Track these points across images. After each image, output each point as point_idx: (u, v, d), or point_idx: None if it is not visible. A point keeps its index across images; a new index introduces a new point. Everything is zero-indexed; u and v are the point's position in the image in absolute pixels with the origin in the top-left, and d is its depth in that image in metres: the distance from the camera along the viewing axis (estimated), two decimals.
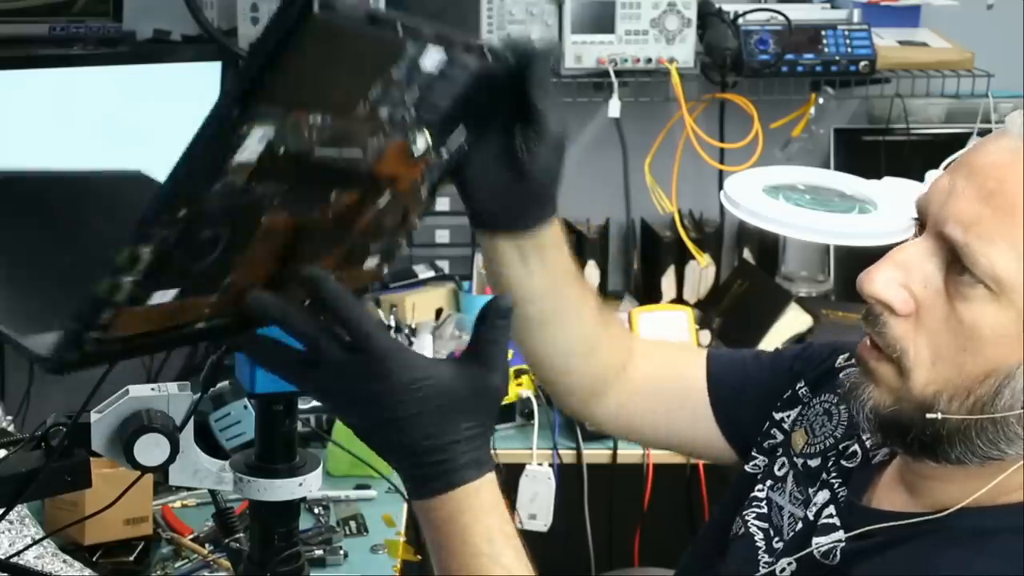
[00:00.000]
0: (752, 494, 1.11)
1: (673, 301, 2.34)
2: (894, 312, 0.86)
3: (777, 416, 1.15)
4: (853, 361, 0.96)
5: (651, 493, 1.84)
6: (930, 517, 0.89)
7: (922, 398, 0.85)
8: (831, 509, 0.99)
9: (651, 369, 1.20)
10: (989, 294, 0.82)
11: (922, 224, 0.88)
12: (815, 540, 0.97)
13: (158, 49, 2.21)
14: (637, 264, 2.47)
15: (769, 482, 1.10)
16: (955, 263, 0.83)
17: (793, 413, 1.13)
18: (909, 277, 0.86)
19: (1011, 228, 0.80)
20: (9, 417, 1.65)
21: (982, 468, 0.86)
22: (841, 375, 1.00)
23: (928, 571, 0.87)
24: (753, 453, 1.15)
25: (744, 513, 1.11)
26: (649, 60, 2.16)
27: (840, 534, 0.95)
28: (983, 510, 0.87)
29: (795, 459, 1.10)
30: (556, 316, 1.13)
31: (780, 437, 1.13)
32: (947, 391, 0.84)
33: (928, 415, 0.85)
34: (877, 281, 0.86)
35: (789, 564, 0.99)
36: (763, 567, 1.04)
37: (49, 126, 1.90)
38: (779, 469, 1.11)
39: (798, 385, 1.14)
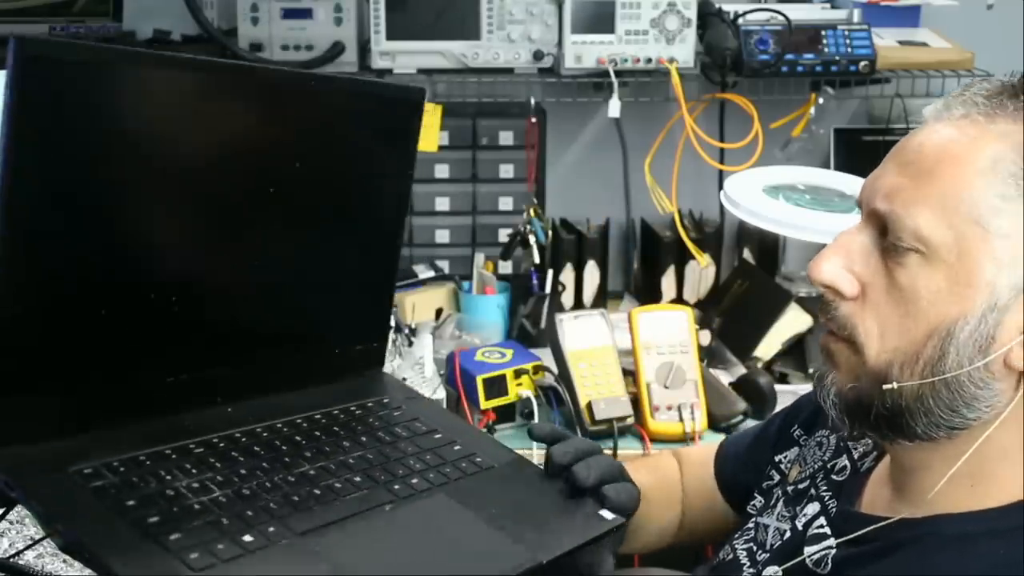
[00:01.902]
0: (746, 526, 1.14)
1: (673, 301, 2.35)
2: (842, 295, 0.90)
3: (776, 458, 1.19)
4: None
5: None
6: (918, 517, 0.91)
7: (877, 370, 0.88)
8: (821, 520, 1.01)
9: (696, 498, 1.33)
10: (920, 257, 0.85)
11: (860, 207, 0.93)
12: (806, 550, 0.98)
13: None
14: (637, 264, 2.47)
15: (764, 512, 1.13)
16: (887, 236, 0.88)
17: (790, 454, 1.17)
18: (851, 260, 0.90)
19: (929, 191, 0.85)
20: None
21: (955, 446, 0.88)
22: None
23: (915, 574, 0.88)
24: (754, 494, 1.19)
25: (733, 541, 1.14)
26: (649, 60, 2.16)
27: (831, 541, 0.97)
28: (970, 515, 0.88)
29: (787, 487, 1.12)
30: (646, 529, 1.28)
31: (777, 477, 1.17)
32: (897, 359, 0.87)
33: (884, 386, 0.88)
34: (823, 269, 0.90)
35: (775, 572, 1.01)
36: (742, 557, 1.08)
37: None
38: (773, 500, 1.13)
39: (792, 429, 1.19)
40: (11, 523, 1.34)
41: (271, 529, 0.92)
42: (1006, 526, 0.86)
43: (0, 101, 0.86)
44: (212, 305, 1.07)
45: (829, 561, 0.95)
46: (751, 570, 1.07)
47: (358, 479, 1.03)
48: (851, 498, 1.01)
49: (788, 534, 1.04)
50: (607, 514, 1.06)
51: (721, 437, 1.90)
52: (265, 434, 1.07)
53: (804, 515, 1.04)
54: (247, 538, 0.90)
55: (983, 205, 0.83)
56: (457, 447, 1.14)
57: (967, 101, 0.90)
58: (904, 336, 0.87)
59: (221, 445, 1.03)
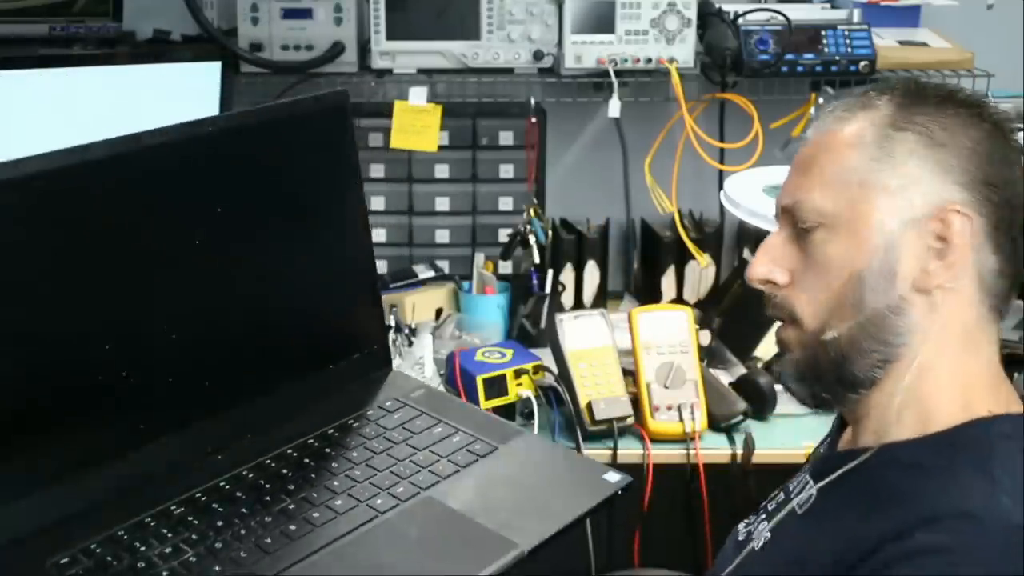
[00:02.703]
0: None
1: (673, 301, 2.34)
2: (777, 285, 1.06)
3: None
4: None
5: (651, 493, 1.83)
6: (870, 453, 1.04)
7: (816, 330, 1.04)
8: (807, 474, 1.13)
9: None
10: (824, 229, 1.03)
11: (776, 216, 1.10)
12: (795, 500, 1.10)
13: (158, 49, 2.21)
14: (637, 264, 2.47)
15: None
16: (800, 230, 1.05)
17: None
18: (776, 255, 1.07)
19: (815, 177, 1.04)
20: None
21: (893, 381, 1.02)
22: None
23: (872, 497, 1.00)
24: None
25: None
26: (649, 60, 2.16)
27: (812, 486, 1.09)
28: (919, 440, 1.01)
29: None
30: None
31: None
32: (828, 315, 1.03)
33: (822, 337, 1.03)
34: (756, 270, 1.08)
35: (765, 528, 1.12)
36: (741, 534, 1.17)
37: (49, 126, 1.90)
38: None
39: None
40: None
41: None
42: (945, 440, 0.99)
43: None
44: (187, 363, 1.08)
45: (808, 501, 1.08)
46: (745, 530, 1.16)
47: (339, 503, 1.05)
48: (827, 450, 1.16)
49: (780, 495, 1.15)
50: (611, 476, 1.11)
51: (721, 437, 1.91)
52: (251, 475, 1.08)
53: (797, 481, 1.14)
54: None
55: (859, 169, 1.02)
56: (456, 438, 1.15)
57: (832, 112, 1.08)
58: (828, 295, 1.03)
59: (203, 499, 1.05)
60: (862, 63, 2.17)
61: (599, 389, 1.88)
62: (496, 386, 1.87)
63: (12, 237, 0.96)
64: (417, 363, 1.94)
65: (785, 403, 1.90)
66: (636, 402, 1.89)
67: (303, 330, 1.20)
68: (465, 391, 1.87)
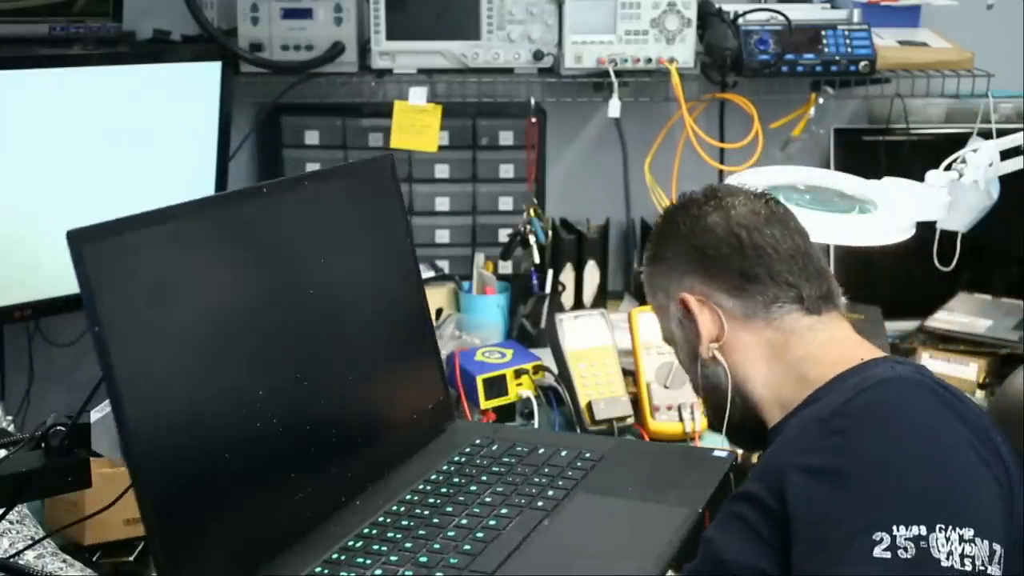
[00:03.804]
0: None
1: None
2: None
3: None
4: None
5: None
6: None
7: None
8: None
9: None
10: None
11: None
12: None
13: (158, 49, 2.21)
14: (637, 264, 2.47)
15: None
16: None
17: None
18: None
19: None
20: (9, 417, 1.65)
21: (748, 407, 1.29)
22: None
23: (785, 448, 1.18)
24: None
25: None
26: (649, 60, 2.16)
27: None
28: (804, 403, 1.23)
29: None
30: None
31: None
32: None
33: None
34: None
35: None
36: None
37: (49, 126, 1.90)
38: None
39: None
40: (11, 523, 1.34)
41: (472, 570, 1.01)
42: (836, 379, 1.22)
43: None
44: (310, 422, 1.12)
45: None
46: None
47: (505, 511, 1.10)
48: None
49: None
50: (719, 452, 1.30)
51: (721, 437, 1.90)
52: (402, 509, 1.13)
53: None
54: None
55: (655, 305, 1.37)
56: (563, 452, 1.22)
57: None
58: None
59: (374, 532, 1.09)
60: (862, 63, 2.17)
61: (599, 389, 1.88)
62: (496, 386, 1.87)
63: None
64: None
65: None
66: (636, 402, 1.89)
67: (388, 384, 1.26)
68: (465, 391, 1.87)
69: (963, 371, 2.07)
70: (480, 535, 1.06)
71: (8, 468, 1.02)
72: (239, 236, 1.08)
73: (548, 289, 2.23)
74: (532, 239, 2.23)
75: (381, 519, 1.11)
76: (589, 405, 1.85)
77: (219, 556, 1.00)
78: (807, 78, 2.22)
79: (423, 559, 1.04)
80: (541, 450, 1.23)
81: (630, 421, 1.87)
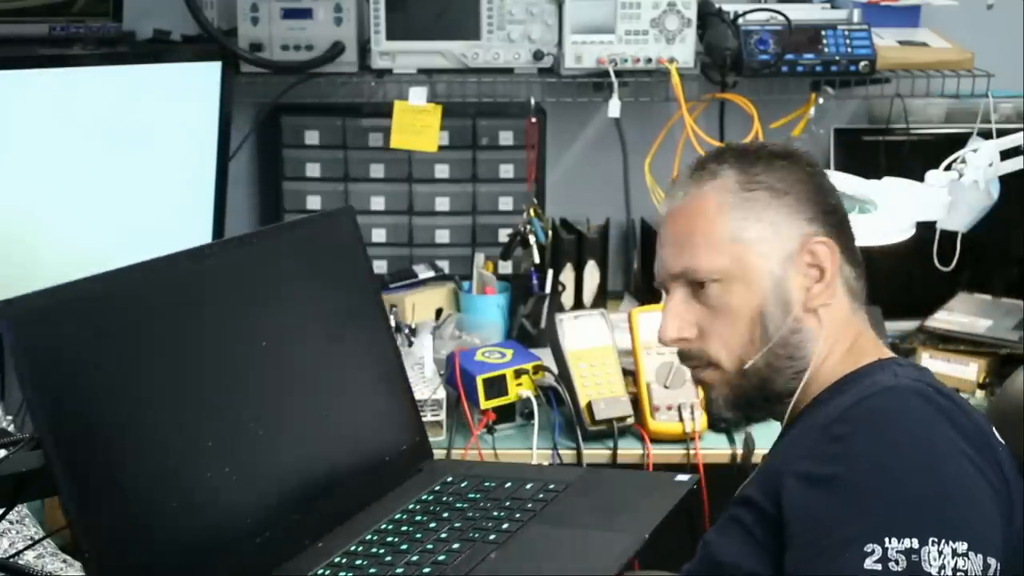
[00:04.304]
0: None
1: None
2: (689, 340, 1.25)
3: None
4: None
5: None
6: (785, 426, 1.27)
7: (736, 367, 1.23)
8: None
9: None
10: (719, 284, 1.22)
11: (665, 289, 1.28)
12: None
13: (158, 49, 2.21)
14: (637, 264, 2.47)
15: None
16: (694, 288, 1.24)
17: None
18: (681, 315, 1.25)
19: (696, 243, 1.23)
20: (9, 417, 1.65)
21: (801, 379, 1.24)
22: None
23: (787, 445, 1.22)
24: None
25: None
26: (649, 60, 2.16)
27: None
28: (813, 399, 1.23)
29: None
30: None
31: None
32: (742, 349, 1.23)
33: (744, 367, 1.23)
34: (668, 332, 1.26)
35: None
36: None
37: (49, 126, 1.90)
38: None
39: None
40: (11, 523, 1.34)
41: None
42: (848, 380, 1.22)
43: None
44: (268, 470, 1.14)
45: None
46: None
47: (457, 545, 1.12)
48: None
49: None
50: (681, 477, 1.27)
51: (721, 437, 1.91)
52: (359, 548, 1.15)
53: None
54: None
55: (731, 229, 1.22)
56: (529, 485, 1.25)
57: (677, 188, 1.28)
58: (737, 335, 1.23)
59: (326, 572, 1.11)
60: (862, 63, 2.17)
61: (599, 389, 1.88)
62: (496, 386, 1.87)
63: (130, 344, 1.04)
64: (417, 363, 1.94)
65: None
66: (636, 402, 1.89)
67: (358, 425, 1.28)
68: (465, 391, 1.87)
69: (963, 371, 2.07)
70: (426, 571, 1.08)
71: (8, 468, 1.02)
72: (180, 297, 1.09)
73: (548, 289, 2.23)
74: (532, 239, 2.23)
75: (337, 559, 1.13)
76: (589, 405, 1.85)
77: None
78: (807, 78, 2.22)
79: (399, 571, 1.07)
80: (508, 484, 1.25)
81: (630, 421, 1.87)
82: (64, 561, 1.35)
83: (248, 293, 1.17)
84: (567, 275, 2.30)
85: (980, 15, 2.32)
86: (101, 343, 1.01)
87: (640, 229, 2.46)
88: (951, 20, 2.38)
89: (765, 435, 1.88)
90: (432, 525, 1.17)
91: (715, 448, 1.88)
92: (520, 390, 1.88)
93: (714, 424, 1.90)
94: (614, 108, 2.17)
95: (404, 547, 1.13)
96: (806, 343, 1.22)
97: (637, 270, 2.47)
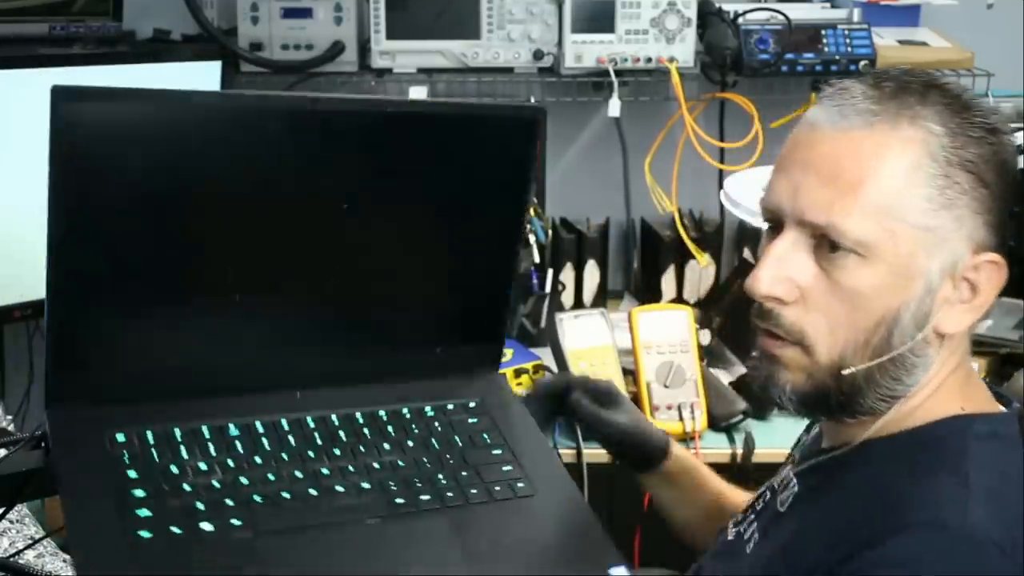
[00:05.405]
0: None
1: (673, 301, 2.35)
2: (783, 302, 0.98)
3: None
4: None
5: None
6: (850, 448, 1.02)
7: (831, 363, 0.97)
8: (788, 469, 1.11)
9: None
10: (859, 259, 0.94)
11: (776, 223, 1.00)
12: (779, 499, 1.08)
13: (158, 49, 2.21)
14: (637, 264, 2.47)
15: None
16: (821, 244, 0.96)
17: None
18: (787, 269, 0.97)
19: (858, 200, 0.94)
20: (9, 417, 1.66)
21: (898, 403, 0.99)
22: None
23: (850, 492, 0.99)
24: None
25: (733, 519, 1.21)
26: (649, 60, 2.16)
27: (795, 484, 1.07)
28: (893, 436, 1.00)
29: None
30: (690, 512, 1.37)
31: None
32: (849, 349, 0.97)
33: (843, 372, 0.97)
34: (763, 281, 0.98)
35: (753, 528, 1.11)
36: (730, 534, 1.15)
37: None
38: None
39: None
40: (11, 523, 1.34)
41: (235, 523, 0.95)
42: (923, 438, 0.98)
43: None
44: (302, 305, 1.10)
45: (789, 499, 1.06)
46: (735, 531, 1.14)
47: (366, 485, 1.03)
48: (812, 444, 1.13)
49: (767, 494, 1.13)
50: (618, 571, 1.01)
51: (721, 436, 1.91)
52: (311, 425, 1.08)
53: (778, 476, 1.14)
54: (205, 527, 0.94)
55: (910, 207, 0.94)
56: (507, 467, 1.11)
57: (860, 109, 0.97)
58: (853, 328, 0.96)
59: (260, 430, 1.06)
60: (862, 62, 2.17)
61: None
62: None
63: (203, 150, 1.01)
64: None
65: None
66: (636, 401, 1.89)
67: (420, 308, 1.19)
68: None
69: None
70: (311, 492, 1.00)
71: (8, 468, 1.02)
72: (268, 136, 1.04)
73: (548, 288, 2.23)
74: (532, 238, 2.22)
75: (282, 421, 1.07)
76: None
77: (110, 369, 1.03)
78: (807, 78, 2.22)
79: (243, 479, 1.00)
80: (498, 451, 1.13)
81: None
82: (64, 561, 1.35)
83: (369, 152, 1.09)
84: (567, 274, 2.30)
85: (980, 15, 2.33)
86: (152, 153, 0.99)
87: (640, 229, 2.46)
88: (951, 20, 2.38)
89: (765, 434, 1.88)
90: (385, 446, 1.08)
91: (715, 448, 1.88)
92: (520, 389, 1.88)
93: (714, 423, 1.90)
94: (614, 108, 2.17)
95: (336, 451, 1.06)
96: (919, 370, 0.97)
97: (637, 270, 2.48)
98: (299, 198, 1.07)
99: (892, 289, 0.95)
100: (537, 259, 2.23)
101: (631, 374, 1.93)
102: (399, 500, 1.03)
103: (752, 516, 1.14)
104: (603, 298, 2.34)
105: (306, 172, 1.07)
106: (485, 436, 1.15)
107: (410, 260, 1.16)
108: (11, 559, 1.25)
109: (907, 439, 0.99)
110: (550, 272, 2.24)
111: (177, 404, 1.04)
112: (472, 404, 1.18)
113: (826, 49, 2.18)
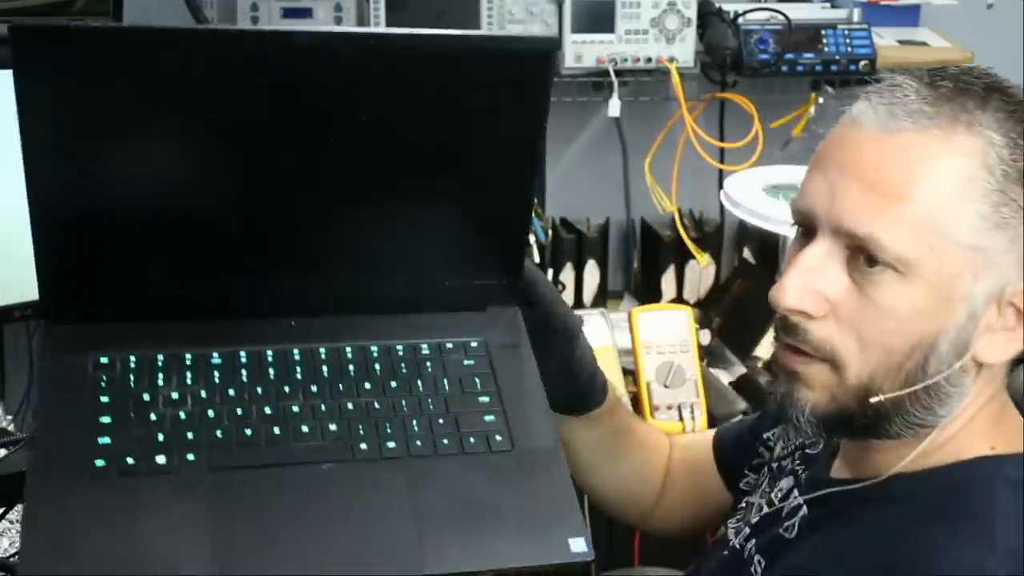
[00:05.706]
0: (739, 505, 1.16)
1: (673, 301, 2.35)
2: (811, 317, 0.90)
3: (764, 435, 1.20)
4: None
5: None
6: (872, 482, 0.94)
7: (858, 385, 0.90)
8: (795, 491, 1.04)
9: (684, 479, 1.31)
10: (897, 276, 0.86)
11: (807, 228, 0.92)
12: (785, 523, 1.01)
13: None
14: (637, 264, 2.47)
15: (754, 491, 1.15)
16: (856, 256, 0.88)
17: (777, 430, 1.18)
18: (816, 281, 0.89)
19: (903, 212, 0.85)
20: (9, 417, 1.65)
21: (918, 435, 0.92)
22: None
23: (869, 532, 0.92)
24: (744, 471, 1.21)
25: (728, 520, 1.15)
26: (649, 60, 2.16)
27: (804, 509, 1.00)
28: (917, 474, 0.92)
29: (772, 464, 1.14)
30: (613, 461, 1.29)
31: (766, 455, 1.18)
32: (880, 372, 0.89)
33: (871, 399, 0.89)
34: (789, 292, 0.89)
35: (752, 547, 1.04)
36: (728, 547, 1.09)
37: None
38: (760, 477, 1.16)
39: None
40: (11, 523, 1.34)
41: (189, 457, 0.95)
42: (950, 481, 0.91)
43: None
44: (290, 225, 1.06)
45: (796, 525, 0.99)
46: (736, 546, 1.08)
47: (333, 427, 1.00)
48: (820, 467, 1.05)
49: (765, 509, 1.06)
50: (577, 544, 0.94)
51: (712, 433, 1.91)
52: (296, 358, 1.05)
53: (780, 489, 1.06)
54: (159, 459, 0.94)
55: (960, 223, 0.85)
56: (489, 417, 1.05)
57: (912, 109, 0.88)
58: (886, 351, 0.88)
59: (243, 361, 1.04)
60: (862, 62, 2.17)
61: None
62: None
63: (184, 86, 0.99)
64: None
65: None
66: (636, 401, 1.89)
67: (430, 239, 1.13)
68: None
69: None
70: (273, 431, 0.98)
71: (8, 468, 1.03)
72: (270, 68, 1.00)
73: None
74: (532, 238, 2.23)
75: (267, 352, 1.04)
76: None
77: (107, 291, 1.03)
78: (807, 78, 2.23)
79: (210, 412, 0.98)
80: (485, 399, 1.07)
81: None
82: None
83: (369, 84, 1.03)
84: (567, 274, 2.30)
85: (980, 15, 2.33)
86: (128, 90, 1.00)
87: (640, 229, 2.46)
88: (951, 20, 2.38)
89: None
90: (365, 385, 1.04)
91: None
92: None
93: (714, 424, 1.90)
94: (614, 108, 2.17)
95: (312, 388, 1.03)
96: (953, 400, 0.90)
97: (637, 270, 2.48)
98: (297, 121, 1.03)
99: (931, 312, 0.87)
100: (537, 259, 2.23)
101: (631, 374, 1.93)
102: (363, 446, 0.99)
103: (748, 531, 1.07)
104: (603, 298, 2.34)
105: (310, 98, 1.02)
106: (476, 380, 1.08)
107: (418, 189, 1.10)
108: (11, 559, 1.25)
109: (933, 479, 0.92)
110: (550, 272, 2.24)
111: (168, 327, 1.03)
112: (474, 343, 1.12)
113: (826, 49, 2.18)
